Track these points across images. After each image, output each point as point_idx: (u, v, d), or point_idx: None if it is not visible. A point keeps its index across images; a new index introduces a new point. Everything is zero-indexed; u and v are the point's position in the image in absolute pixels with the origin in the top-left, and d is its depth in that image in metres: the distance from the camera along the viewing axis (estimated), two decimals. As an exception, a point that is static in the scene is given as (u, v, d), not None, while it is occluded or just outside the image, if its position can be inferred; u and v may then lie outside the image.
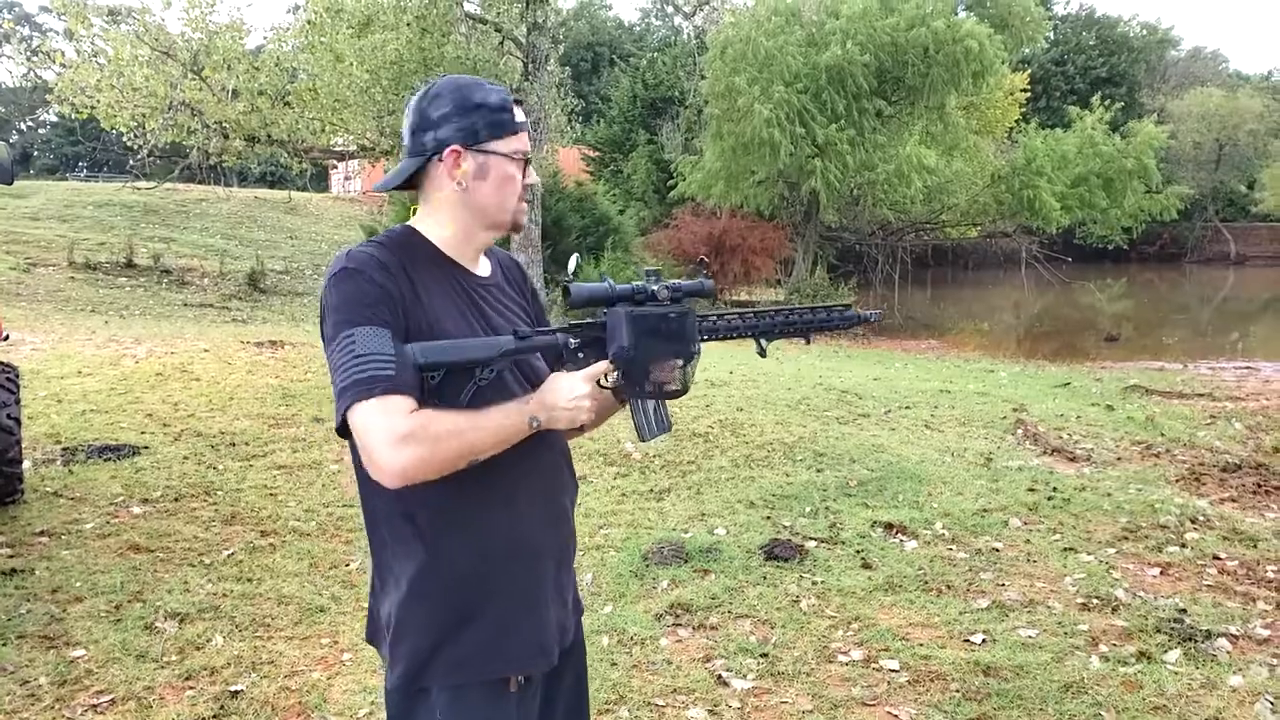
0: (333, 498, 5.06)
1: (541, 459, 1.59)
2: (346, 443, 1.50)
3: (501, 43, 19.44)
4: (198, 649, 3.36)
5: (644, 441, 1.68)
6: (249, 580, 3.98)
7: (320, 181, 37.48)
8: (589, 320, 1.59)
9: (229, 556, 4.22)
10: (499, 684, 1.52)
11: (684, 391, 1.62)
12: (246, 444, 5.94)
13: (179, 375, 7.72)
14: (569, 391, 1.47)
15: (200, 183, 25.13)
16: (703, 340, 1.64)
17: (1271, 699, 3.10)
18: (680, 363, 1.60)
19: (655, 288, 1.58)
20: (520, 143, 1.56)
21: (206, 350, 9.02)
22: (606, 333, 1.56)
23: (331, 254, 20.92)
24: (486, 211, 1.56)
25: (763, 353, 1.72)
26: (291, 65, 18.80)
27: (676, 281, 1.61)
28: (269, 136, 18.28)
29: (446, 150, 1.51)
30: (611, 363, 1.55)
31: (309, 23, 17.62)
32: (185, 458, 5.58)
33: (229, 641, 3.43)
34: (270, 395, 7.15)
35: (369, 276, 1.44)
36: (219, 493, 5.05)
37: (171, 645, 3.38)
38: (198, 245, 19.53)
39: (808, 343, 1.76)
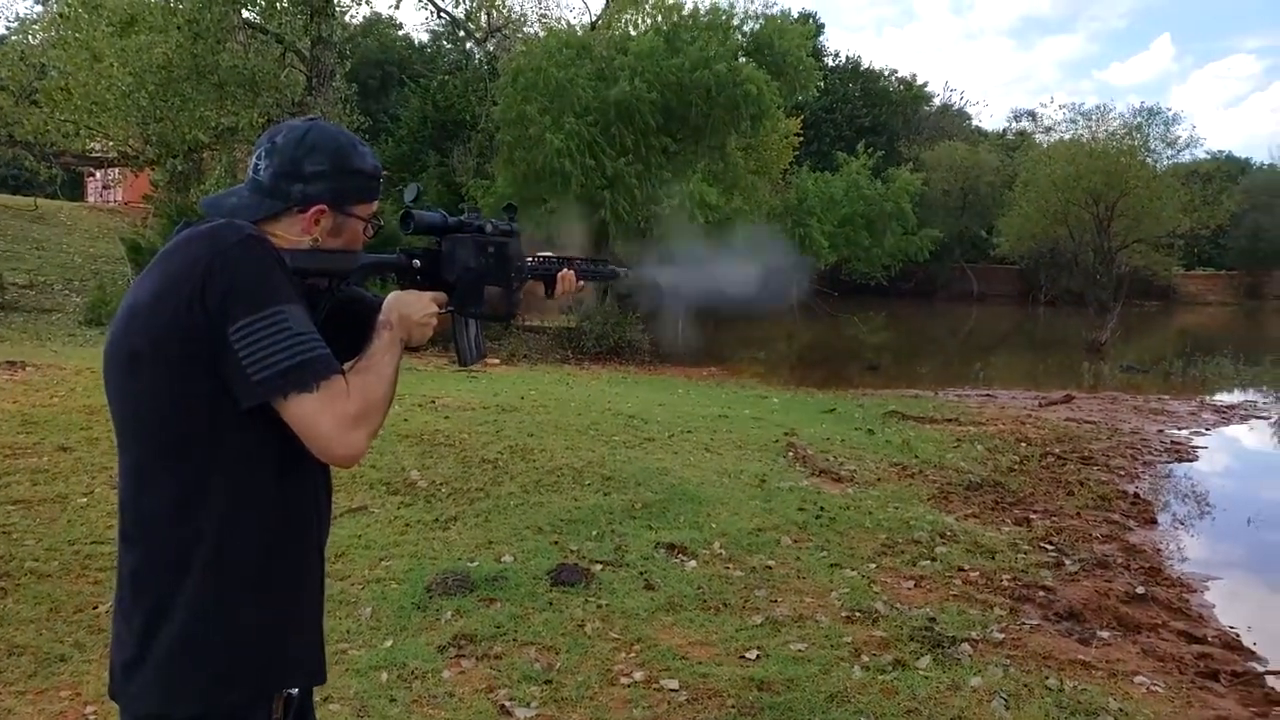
0: (80, 534, 4.60)
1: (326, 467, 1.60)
2: (126, 469, 1.43)
3: (283, 54, 18.59)
4: (-94, 713, 2.96)
5: (464, 365, 1.80)
6: (-27, 631, 3.55)
7: (74, 189, 34.08)
8: (426, 248, 1.72)
9: (-51, 605, 3.74)
10: (269, 700, 1.46)
11: (513, 313, 1.82)
12: (-26, 478, 5.30)
13: (-110, 401, 6.79)
14: (421, 306, 1.60)
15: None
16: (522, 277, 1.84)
17: (1005, 696, 3.45)
18: (512, 287, 1.80)
19: (481, 222, 1.75)
20: (375, 205, 1.62)
21: (-74, 372, 7.98)
22: (444, 258, 1.70)
23: (87, 267, 19.07)
24: None
25: (550, 294, 1.93)
26: (40, 60, 17.11)
27: (496, 220, 1.81)
28: (10, 137, 16.52)
29: (313, 209, 1.52)
30: (454, 283, 1.69)
31: (61, 15, 16.12)
32: (-104, 495, 4.91)
33: (-53, 702, 3.04)
34: (7, 422, 6.41)
35: (272, 247, 1.41)
36: (-62, 534, 4.47)
37: (-127, 710, 2.96)
38: (-83, 254, 17.25)
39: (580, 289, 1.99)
